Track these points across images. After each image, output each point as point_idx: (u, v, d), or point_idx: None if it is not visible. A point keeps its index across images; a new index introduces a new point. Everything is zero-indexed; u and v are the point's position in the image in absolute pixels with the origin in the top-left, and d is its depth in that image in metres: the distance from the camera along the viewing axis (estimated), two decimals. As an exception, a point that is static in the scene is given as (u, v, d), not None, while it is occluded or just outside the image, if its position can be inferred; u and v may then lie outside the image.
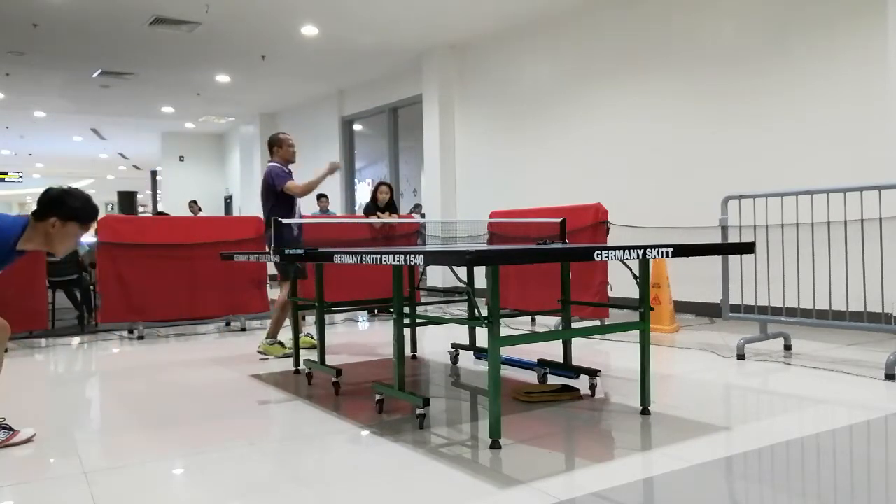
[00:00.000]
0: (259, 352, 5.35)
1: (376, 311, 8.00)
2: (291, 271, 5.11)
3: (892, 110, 5.82)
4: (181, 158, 18.25)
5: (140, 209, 28.29)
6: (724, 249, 3.60)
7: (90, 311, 7.42)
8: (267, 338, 5.35)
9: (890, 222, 4.84)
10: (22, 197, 34.42)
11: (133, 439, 3.20)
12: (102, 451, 3.05)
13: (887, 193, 4.70)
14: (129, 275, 6.59)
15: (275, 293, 7.80)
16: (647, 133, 7.81)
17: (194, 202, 15.79)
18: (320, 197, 11.40)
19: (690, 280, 7.00)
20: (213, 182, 18.96)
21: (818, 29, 6.42)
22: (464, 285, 3.31)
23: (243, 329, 7.06)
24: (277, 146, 5.46)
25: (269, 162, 5.48)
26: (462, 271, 3.90)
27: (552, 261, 3.08)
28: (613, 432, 3.13)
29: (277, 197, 5.31)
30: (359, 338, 6.57)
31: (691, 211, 7.19)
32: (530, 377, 4.26)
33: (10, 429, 3.08)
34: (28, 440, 3.09)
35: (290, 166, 5.51)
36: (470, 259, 2.60)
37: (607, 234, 6.24)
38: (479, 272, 4.06)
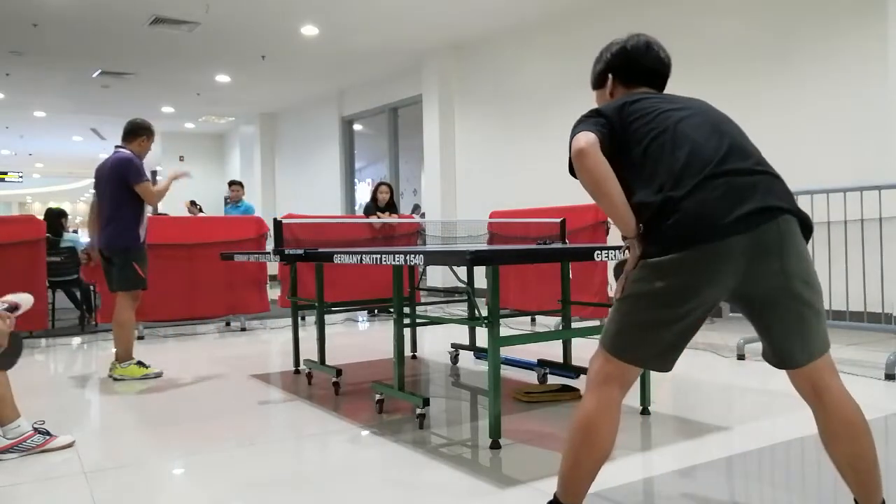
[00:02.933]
0: (113, 377, 4.56)
1: (376, 311, 7.99)
2: (140, 282, 4.55)
3: (892, 110, 5.82)
4: (181, 158, 18.22)
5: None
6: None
7: (90, 310, 7.42)
8: (119, 361, 4.59)
9: (890, 222, 4.84)
10: (22, 197, 34.40)
11: (133, 439, 3.20)
12: (102, 451, 3.05)
13: (887, 193, 4.70)
14: (129, 275, 6.57)
15: (275, 293, 7.83)
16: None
17: (193, 202, 15.73)
18: (232, 184, 9.77)
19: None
20: (213, 182, 18.95)
21: (818, 29, 6.42)
22: (464, 285, 3.31)
23: (243, 329, 7.06)
24: (146, 137, 4.65)
25: (120, 148, 4.65)
26: (462, 271, 3.90)
27: (552, 261, 3.08)
28: (613, 432, 3.13)
29: (131, 193, 4.48)
30: (359, 338, 6.57)
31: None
32: (530, 377, 4.26)
33: (47, 433, 3.01)
34: (67, 446, 3.00)
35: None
36: (470, 259, 2.60)
37: (607, 234, 6.24)
38: (479, 272, 4.05)
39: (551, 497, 1.87)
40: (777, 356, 1.81)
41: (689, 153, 1.77)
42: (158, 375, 4.66)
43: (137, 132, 4.68)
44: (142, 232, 4.63)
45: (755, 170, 1.78)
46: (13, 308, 2.92)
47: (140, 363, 4.67)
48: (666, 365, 1.83)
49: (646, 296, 1.77)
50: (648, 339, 1.78)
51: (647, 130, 1.85)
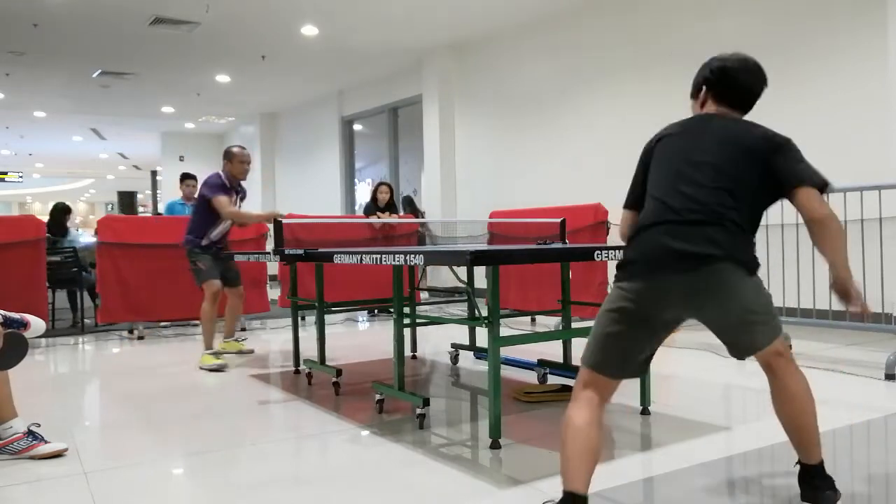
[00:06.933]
0: (203, 368, 4.92)
1: (376, 311, 7.99)
2: (216, 274, 5.07)
3: (892, 110, 5.82)
4: (181, 158, 18.22)
5: (140, 209, 28.27)
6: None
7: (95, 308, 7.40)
8: (206, 349, 5.05)
9: (890, 222, 4.84)
10: (22, 197, 34.40)
11: (133, 439, 3.20)
12: (102, 451, 3.05)
13: (887, 193, 4.70)
14: (129, 275, 6.58)
15: (275, 293, 7.83)
16: (648, 132, 7.74)
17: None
18: (186, 179, 8.54)
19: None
20: (212, 182, 18.92)
21: (818, 28, 6.42)
22: (464, 285, 3.31)
23: (243, 329, 7.05)
24: (228, 160, 5.19)
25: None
26: (462, 271, 3.90)
27: (552, 261, 3.08)
28: (613, 432, 3.13)
29: (205, 205, 5.07)
30: (359, 338, 6.57)
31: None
32: (530, 377, 4.26)
33: (37, 437, 2.93)
34: (56, 454, 2.91)
35: (244, 183, 5.36)
36: (470, 259, 2.60)
37: (607, 234, 6.24)
38: (479, 272, 4.05)
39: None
40: (732, 351, 2.14)
41: (657, 200, 2.11)
42: (221, 368, 4.88)
43: (224, 157, 5.27)
44: (212, 236, 5.15)
45: (693, 220, 2.02)
46: (14, 323, 2.90)
47: (216, 354, 5.02)
48: (628, 372, 2.10)
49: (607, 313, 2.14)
50: (608, 349, 2.08)
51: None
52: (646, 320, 2.04)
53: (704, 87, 2.29)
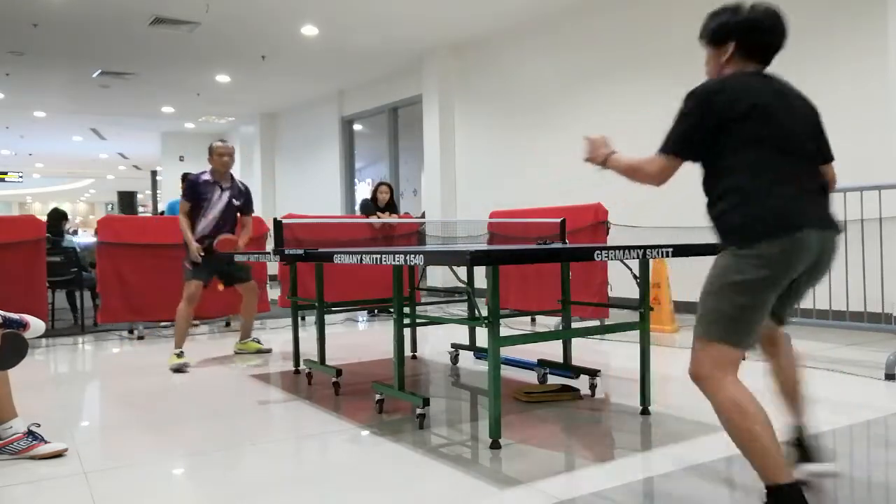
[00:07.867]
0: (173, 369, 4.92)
1: (376, 311, 7.99)
2: (200, 276, 5.12)
3: (892, 111, 5.82)
4: (181, 158, 18.23)
5: (140, 209, 28.27)
6: (724, 249, 3.60)
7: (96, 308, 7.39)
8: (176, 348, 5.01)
9: (890, 222, 4.84)
10: (22, 197, 34.39)
11: (133, 439, 3.20)
12: (102, 451, 3.05)
13: (887, 193, 4.70)
14: (129, 275, 6.58)
15: (275, 293, 7.83)
16: (648, 132, 7.76)
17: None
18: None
19: (690, 280, 6.99)
20: (213, 182, 18.92)
21: (818, 28, 6.42)
22: (464, 285, 3.31)
23: (243, 329, 7.05)
24: (210, 156, 5.29)
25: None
26: (462, 271, 3.90)
27: (552, 261, 3.08)
28: (613, 432, 3.13)
29: (189, 206, 5.20)
30: (359, 338, 6.57)
31: (691, 211, 7.18)
32: (530, 377, 4.26)
33: (37, 437, 2.93)
34: (56, 454, 2.91)
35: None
36: (470, 259, 2.60)
37: (607, 234, 6.24)
38: (479, 272, 4.06)
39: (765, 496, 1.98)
40: (782, 317, 2.32)
41: (776, 165, 2.15)
42: (182, 368, 4.84)
43: (208, 153, 5.34)
44: (199, 230, 5.17)
45: (817, 189, 2.21)
46: (14, 323, 2.89)
47: (179, 354, 4.93)
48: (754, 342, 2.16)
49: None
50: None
51: None
52: (782, 283, 2.03)
53: (734, 44, 2.22)
